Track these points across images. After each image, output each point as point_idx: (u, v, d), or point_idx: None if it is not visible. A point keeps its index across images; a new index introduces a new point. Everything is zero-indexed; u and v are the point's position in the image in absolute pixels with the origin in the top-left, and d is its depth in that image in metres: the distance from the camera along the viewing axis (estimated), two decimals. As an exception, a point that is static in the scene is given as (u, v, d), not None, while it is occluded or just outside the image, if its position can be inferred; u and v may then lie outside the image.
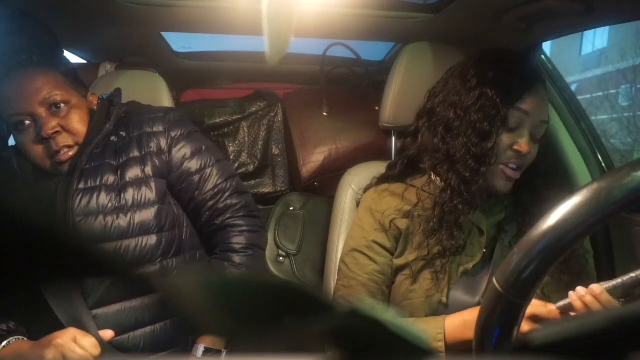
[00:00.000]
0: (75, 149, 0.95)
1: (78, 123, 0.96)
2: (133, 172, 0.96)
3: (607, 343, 0.34)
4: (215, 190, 1.03)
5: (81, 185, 0.92)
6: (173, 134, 1.03)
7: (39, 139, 0.92)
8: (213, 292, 0.22)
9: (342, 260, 0.99)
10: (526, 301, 0.40)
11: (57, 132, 0.92)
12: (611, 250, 1.14)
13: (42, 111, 0.91)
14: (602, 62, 9.20)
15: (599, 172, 1.22)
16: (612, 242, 1.14)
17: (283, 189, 1.56)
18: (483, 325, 0.41)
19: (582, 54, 10.68)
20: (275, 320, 0.23)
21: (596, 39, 10.03)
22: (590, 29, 1.10)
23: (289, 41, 0.49)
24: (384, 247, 0.92)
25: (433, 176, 0.95)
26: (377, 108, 1.34)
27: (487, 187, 0.89)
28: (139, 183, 0.96)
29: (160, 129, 1.02)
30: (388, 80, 1.22)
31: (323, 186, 1.43)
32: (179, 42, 1.63)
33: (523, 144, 0.85)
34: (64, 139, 0.94)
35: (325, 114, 1.46)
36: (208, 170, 1.03)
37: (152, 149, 1.00)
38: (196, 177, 1.02)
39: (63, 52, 1.06)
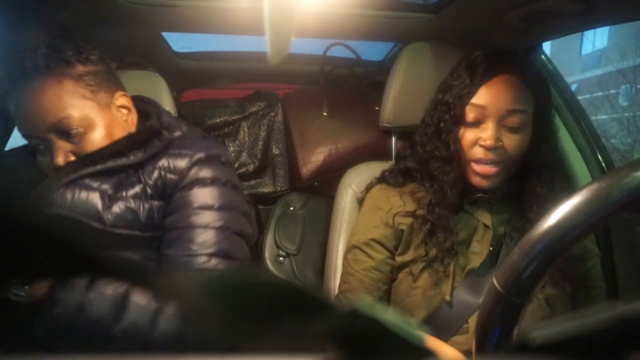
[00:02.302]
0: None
1: (95, 146, 0.83)
2: (132, 190, 0.84)
3: (608, 343, 0.34)
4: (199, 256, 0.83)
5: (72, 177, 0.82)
6: (196, 176, 0.87)
7: (53, 164, 0.82)
8: (213, 292, 0.22)
9: (344, 257, 1.00)
10: (526, 301, 0.40)
11: (70, 161, 0.82)
12: (611, 251, 1.14)
13: (51, 136, 0.81)
14: (602, 62, 9.20)
15: (599, 172, 1.22)
16: (612, 243, 1.14)
17: (283, 189, 1.56)
18: (483, 325, 0.41)
19: (582, 54, 10.68)
20: (275, 320, 0.23)
21: (596, 39, 10.04)
22: (590, 29, 1.10)
23: (290, 41, 0.49)
24: (383, 245, 0.93)
25: (422, 182, 0.97)
26: (377, 108, 1.34)
27: (468, 185, 0.91)
28: (136, 200, 0.84)
29: (183, 165, 0.87)
30: (388, 80, 1.22)
31: (323, 186, 1.43)
32: (179, 42, 1.63)
33: (486, 138, 0.85)
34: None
35: (325, 114, 1.46)
36: (205, 231, 0.83)
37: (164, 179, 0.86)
38: (187, 232, 0.82)
39: (77, 46, 0.85)
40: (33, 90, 0.79)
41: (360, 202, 1.07)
